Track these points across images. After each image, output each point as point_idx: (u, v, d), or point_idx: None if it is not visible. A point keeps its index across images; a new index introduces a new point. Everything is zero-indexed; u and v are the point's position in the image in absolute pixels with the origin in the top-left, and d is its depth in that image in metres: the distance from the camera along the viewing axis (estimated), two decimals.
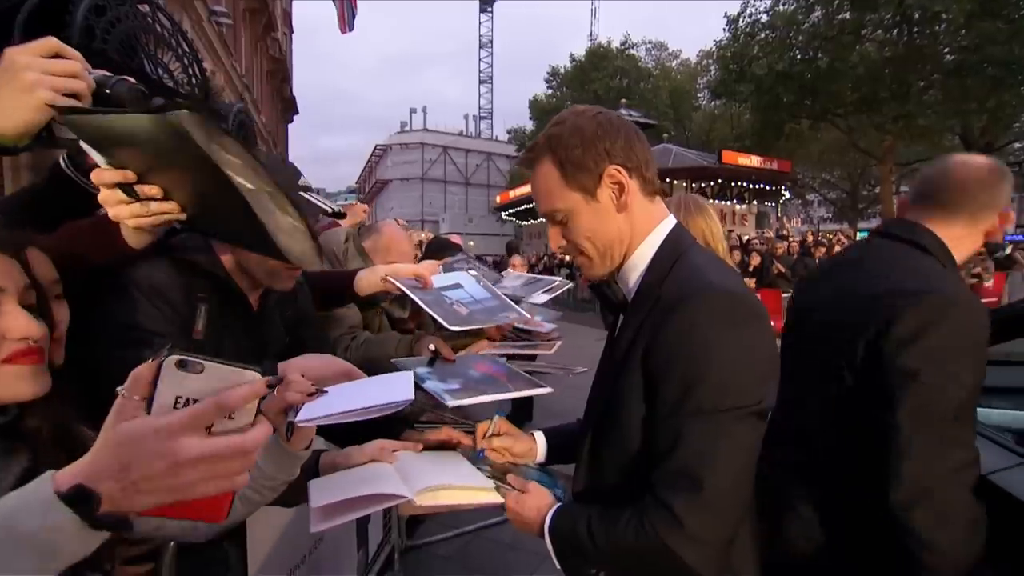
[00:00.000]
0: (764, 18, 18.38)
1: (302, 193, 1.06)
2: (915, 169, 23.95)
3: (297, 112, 26.80)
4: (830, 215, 37.05)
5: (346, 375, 0.92)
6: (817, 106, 18.45)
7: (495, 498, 0.98)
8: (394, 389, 0.87)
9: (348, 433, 1.04)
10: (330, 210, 1.09)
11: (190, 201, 0.74)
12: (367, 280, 1.35)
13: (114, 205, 0.73)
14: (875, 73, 16.45)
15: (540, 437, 1.20)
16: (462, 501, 0.96)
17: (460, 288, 1.40)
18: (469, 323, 1.26)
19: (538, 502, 0.98)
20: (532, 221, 30.59)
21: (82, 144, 0.72)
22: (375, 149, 46.97)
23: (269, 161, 1.25)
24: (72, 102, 0.70)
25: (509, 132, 40.12)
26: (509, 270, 2.70)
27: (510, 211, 31.84)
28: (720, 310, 0.83)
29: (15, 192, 0.93)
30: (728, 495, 0.82)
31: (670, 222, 0.98)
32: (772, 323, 0.91)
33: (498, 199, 35.11)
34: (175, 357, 0.49)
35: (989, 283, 7.43)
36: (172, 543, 0.90)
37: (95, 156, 0.71)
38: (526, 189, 29.94)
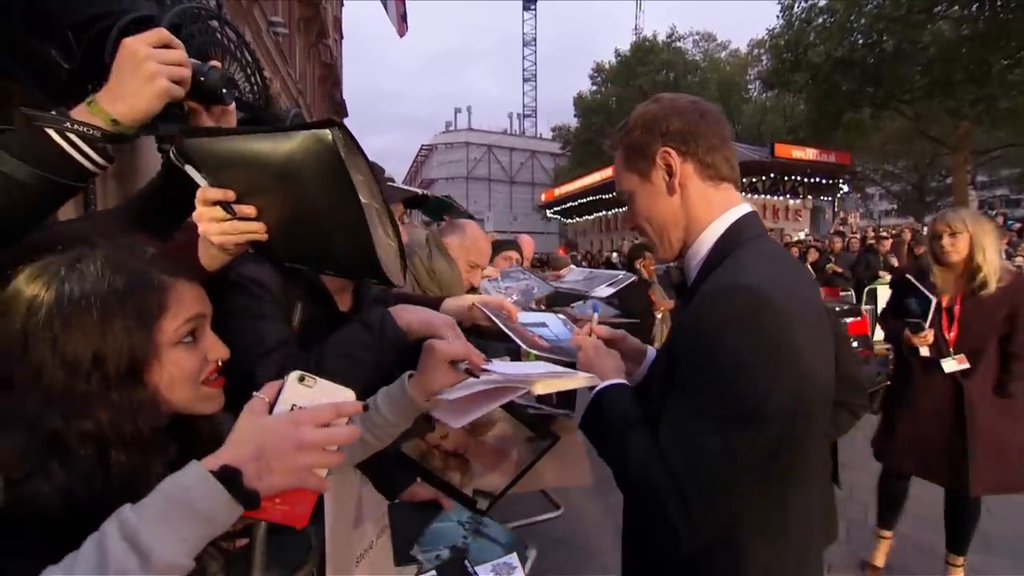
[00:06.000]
0: (822, 2, 17.38)
1: (389, 184, 1.09)
2: (995, 157, 22.04)
3: (347, 115, 27.61)
4: (894, 208, 34.79)
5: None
6: (881, 93, 17.25)
7: (585, 381, 1.00)
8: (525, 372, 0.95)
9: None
10: (417, 193, 1.13)
11: (275, 224, 0.79)
12: (454, 307, 1.39)
13: (207, 222, 0.77)
14: (950, 54, 15.15)
15: (652, 353, 1.18)
16: (563, 386, 1.00)
17: (545, 327, 1.42)
18: (547, 353, 1.28)
19: (607, 365, 1.03)
20: (578, 219, 30.17)
21: (186, 168, 0.76)
22: (420, 149, 47.90)
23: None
24: (179, 89, 0.75)
25: (553, 130, 39.87)
26: (570, 267, 2.72)
27: (555, 209, 31.59)
28: (738, 311, 0.80)
29: (129, 201, 0.99)
30: (711, 504, 0.80)
31: (737, 211, 0.96)
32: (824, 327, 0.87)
33: (543, 197, 34.90)
34: (297, 373, 0.63)
35: None
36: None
37: (196, 177, 0.76)
38: (571, 187, 29.43)
